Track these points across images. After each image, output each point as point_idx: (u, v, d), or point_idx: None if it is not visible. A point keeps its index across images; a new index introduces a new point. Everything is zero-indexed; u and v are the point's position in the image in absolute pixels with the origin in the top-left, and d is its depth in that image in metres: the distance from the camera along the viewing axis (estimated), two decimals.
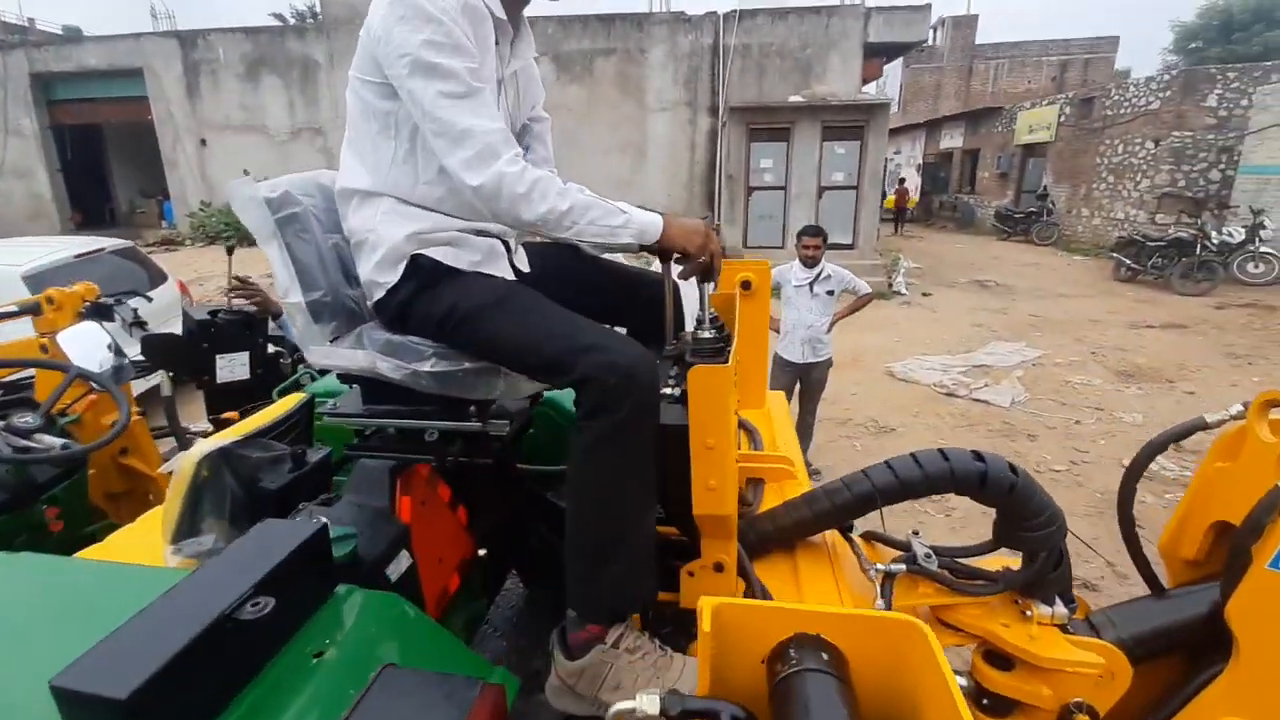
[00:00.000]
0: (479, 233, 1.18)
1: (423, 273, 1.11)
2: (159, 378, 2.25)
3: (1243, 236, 9.75)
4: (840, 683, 0.66)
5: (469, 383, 1.12)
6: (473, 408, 1.22)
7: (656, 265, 1.20)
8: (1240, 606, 0.98)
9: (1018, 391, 5.64)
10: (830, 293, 4.06)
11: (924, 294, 9.98)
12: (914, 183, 25.11)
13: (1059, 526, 1.13)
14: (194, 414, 2.68)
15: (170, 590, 0.80)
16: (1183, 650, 1.16)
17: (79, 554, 1.23)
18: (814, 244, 3.97)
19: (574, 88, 13.06)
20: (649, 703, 0.61)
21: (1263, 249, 9.75)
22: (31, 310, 2.01)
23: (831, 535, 1.35)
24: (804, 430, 4.35)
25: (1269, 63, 12.10)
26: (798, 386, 4.24)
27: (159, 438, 2.25)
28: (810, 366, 4.13)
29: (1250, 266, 9.83)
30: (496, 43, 1.13)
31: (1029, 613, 1.17)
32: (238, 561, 0.85)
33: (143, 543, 1.30)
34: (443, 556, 1.49)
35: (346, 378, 1.26)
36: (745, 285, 1.74)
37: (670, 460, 1.04)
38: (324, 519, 0.98)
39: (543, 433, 1.69)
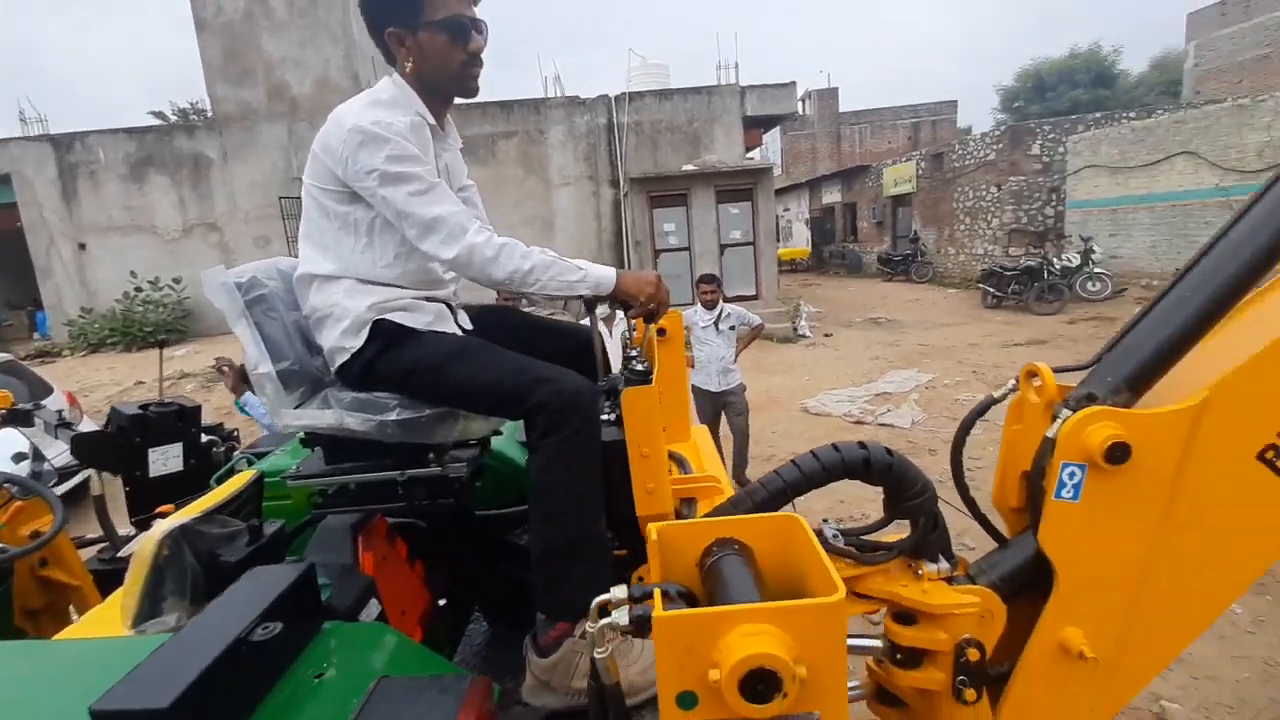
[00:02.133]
0: (429, 299, 1.36)
1: (385, 335, 1.27)
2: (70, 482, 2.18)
3: (1079, 261, 11.35)
4: (747, 561, 0.86)
5: (430, 428, 1.27)
6: (431, 454, 1.36)
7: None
8: (1046, 534, 1.19)
9: (916, 413, 6.21)
10: (732, 328, 4.70)
11: (825, 335, 10.77)
12: (804, 235, 27.20)
13: (931, 495, 1.38)
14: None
15: (184, 628, 0.89)
16: (1035, 584, 1.42)
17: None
18: (710, 289, 4.64)
19: (478, 169, 13.51)
20: (619, 590, 0.79)
21: (1096, 270, 11.37)
22: None
23: None
24: (741, 445, 4.83)
25: (1074, 116, 14.39)
26: (723, 417, 4.78)
27: (80, 547, 2.15)
28: (726, 392, 4.69)
29: (1089, 285, 11.37)
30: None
31: (920, 572, 1.40)
32: (240, 599, 0.95)
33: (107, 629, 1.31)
34: (405, 609, 1.57)
35: (309, 441, 1.36)
36: (660, 332, 1.98)
37: (613, 472, 1.22)
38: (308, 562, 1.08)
39: (492, 482, 1.82)
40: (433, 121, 1.36)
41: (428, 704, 0.89)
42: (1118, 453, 1.09)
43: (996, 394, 1.39)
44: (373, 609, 1.32)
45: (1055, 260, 11.47)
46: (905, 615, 1.40)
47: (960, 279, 15.71)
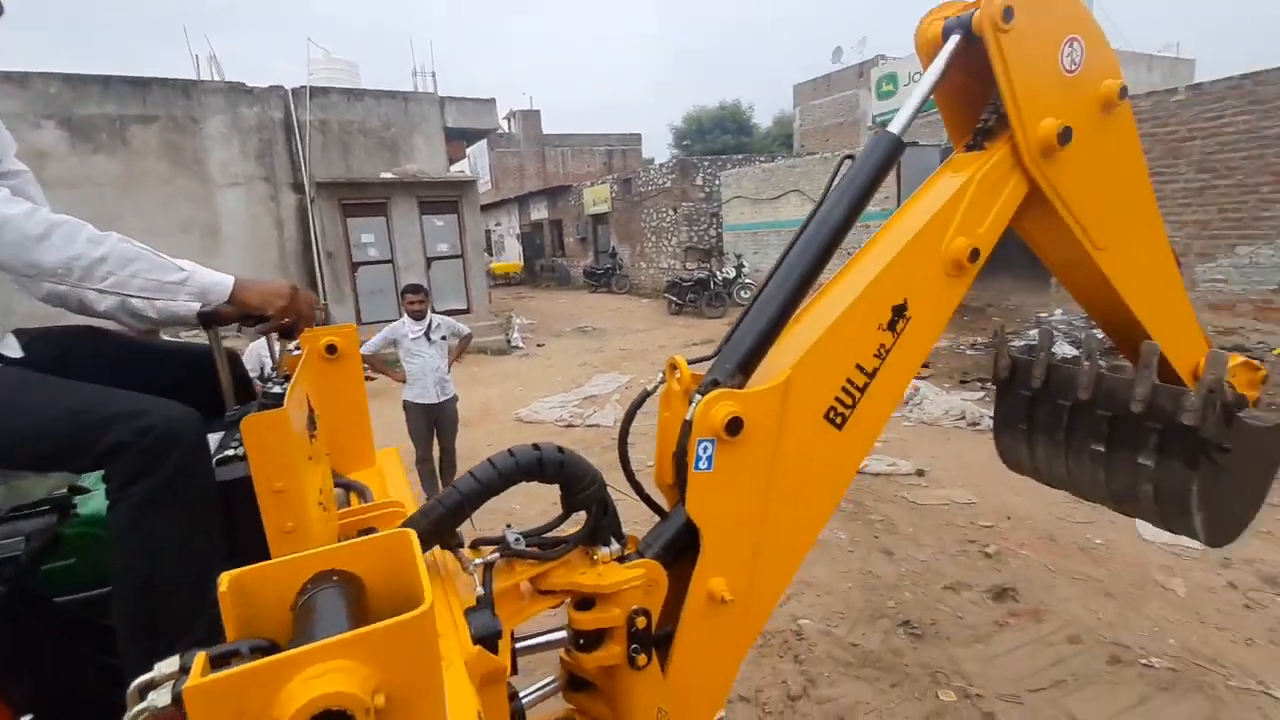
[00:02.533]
0: None
1: None
2: None
3: (735, 273, 13.96)
4: (346, 593, 0.75)
5: None
6: None
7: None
8: (691, 502, 1.38)
9: (618, 411, 6.80)
10: (444, 338, 4.62)
11: (538, 345, 11.14)
12: (517, 250, 27.71)
13: (600, 484, 1.50)
14: None
15: None
16: (690, 548, 1.65)
17: None
18: (417, 299, 4.51)
19: (100, 158, 10.65)
20: (168, 663, 0.65)
21: (746, 280, 14.18)
22: None
23: (438, 553, 1.48)
24: (449, 466, 4.72)
25: (724, 156, 17.48)
26: (434, 431, 4.65)
27: None
28: (443, 405, 4.60)
29: (742, 294, 14.02)
30: None
31: (595, 557, 1.52)
32: None
33: None
34: None
35: None
36: (330, 350, 1.79)
37: (239, 514, 1.04)
38: None
39: (85, 558, 1.42)
40: None
41: None
42: (735, 426, 1.30)
43: (649, 387, 1.56)
44: None
45: (718, 273, 13.89)
46: (585, 601, 1.50)
47: (652, 290, 17.76)
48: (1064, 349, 7.08)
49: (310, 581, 0.79)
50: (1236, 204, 7.14)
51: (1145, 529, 3.95)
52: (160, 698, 0.61)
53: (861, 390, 1.39)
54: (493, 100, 14.38)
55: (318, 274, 11.60)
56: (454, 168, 14.84)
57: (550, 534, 1.56)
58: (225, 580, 0.73)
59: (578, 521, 1.51)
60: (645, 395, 1.57)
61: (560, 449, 1.47)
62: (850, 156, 1.51)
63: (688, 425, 1.37)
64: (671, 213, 16.94)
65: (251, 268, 11.79)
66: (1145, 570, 3.55)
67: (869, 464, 5.09)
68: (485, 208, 29.29)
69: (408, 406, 4.59)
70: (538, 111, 35.69)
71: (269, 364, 1.74)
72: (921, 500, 4.55)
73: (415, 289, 4.61)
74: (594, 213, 21.24)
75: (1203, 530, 1.71)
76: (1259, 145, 6.94)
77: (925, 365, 7.67)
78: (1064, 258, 1.63)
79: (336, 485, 1.75)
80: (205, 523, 0.98)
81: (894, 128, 1.45)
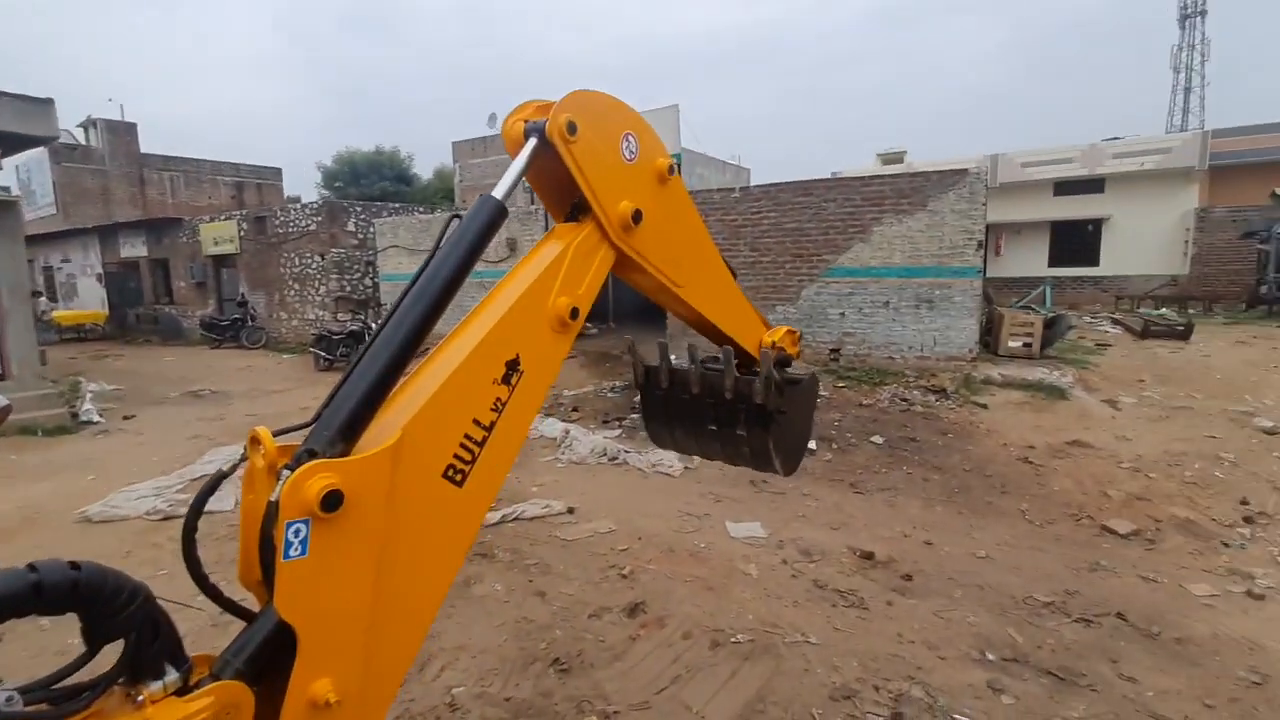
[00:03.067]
0: None
1: None
2: None
3: None
4: None
5: None
6: None
7: None
8: (282, 599, 1.18)
9: (239, 492, 5.71)
10: None
11: (125, 417, 8.70)
12: (98, 294, 21.50)
13: (144, 598, 1.19)
14: None
15: None
16: (287, 651, 1.43)
17: None
18: None
19: None
20: None
21: None
22: None
23: None
24: None
25: (380, 203, 16.68)
26: None
27: None
28: None
29: None
30: None
31: (140, 697, 1.21)
32: None
33: None
34: None
35: None
36: None
37: None
38: None
39: None
40: None
41: None
42: (332, 500, 1.15)
43: (226, 467, 1.33)
44: None
45: (374, 325, 12.93)
46: None
47: (295, 343, 15.65)
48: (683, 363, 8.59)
49: None
50: (773, 275, 9.84)
51: (733, 528, 4.99)
52: None
53: (481, 444, 1.38)
54: (49, 101, 11.02)
55: None
56: None
57: (68, 681, 1.21)
58: None
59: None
60: (221, 477, 1.33)
61: (75, 564, 1.15)
62: (458, 216, 1.55)
63: (274, 507, 1.19)
64: (319, 259, 15.29)
65: None
66: (732, 562, 4.46)
67: (525, 509, 5.30)
68: (43, 238, 22.11)
69: None
70: (133, 125, 28.73)
71: None
72: (570, 536, 4.92)
73: None
74: (215, 253, 17.84)
75: (781, 466, 2.29)
76: (782, 234, 9.75)
77: (575, 409, 8.42)
78: (658, 295, 2.00)
79: None
80: None
81: (498, 193, 1.54)
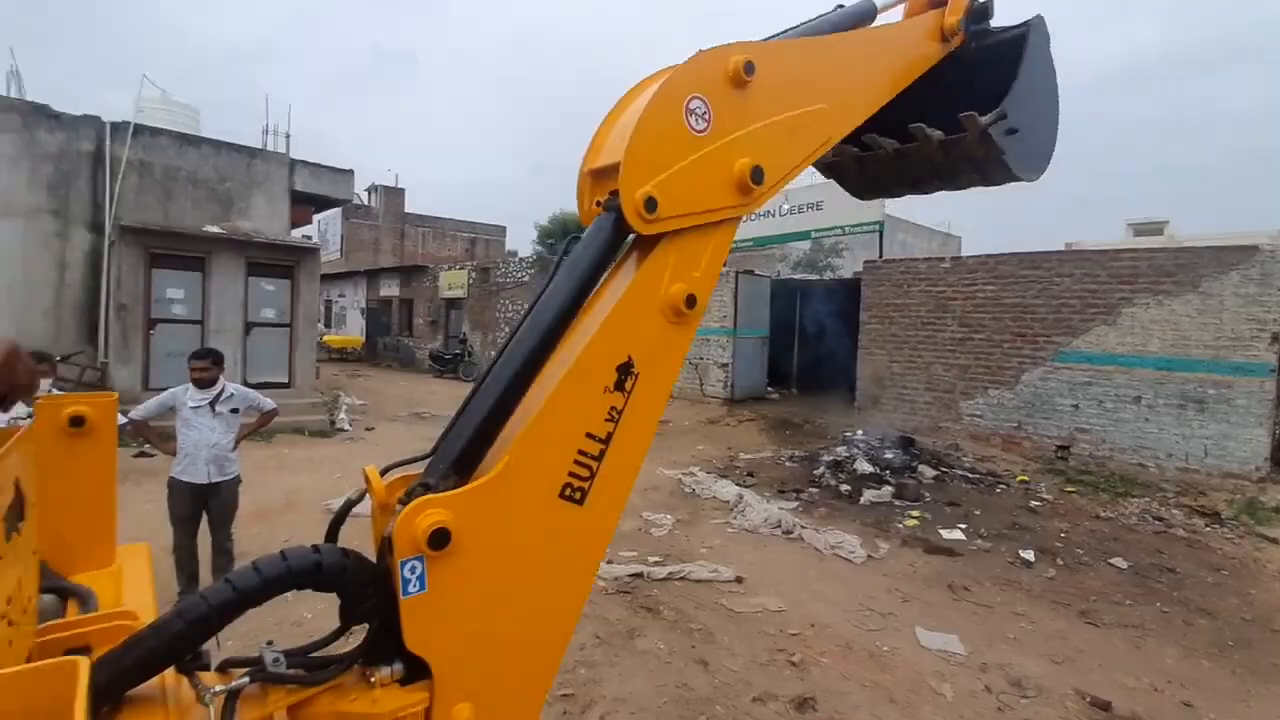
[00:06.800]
0: None
1: None
2: None
3: None
4: None
5: None
6: None
7: None
8: (411, 636, 1.19)
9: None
10: (235, 410, 4.09)
11: (367, 429, 10.29)
12: (359, 324, 26.10)
13: (390, 593, 1.35)
14: None
15: None
16: None
17: None
18: (201, 366, 4.01)
19: None
20: None
21: None
22: None
23: (169, 679, 1.23)
24: (221, 558, 4.08)
25: None
26: (204, 515, 4.05)
27: None
28: (217, 486, 4.01)
29: None
30: None
31: (373, 679, 1.34)
32: None
33: None
34: None
35: None
36: (76, 422, 1.53)
37: None
38: None
39: None
40: None
41: None
42: (439, 538, 1.12)
43: (353, 496, 1.38)
44: None
45: None
46: None
47: None
48: (863, 466, 7.96)
49: None
50: (987, 355, 8.82)
51: (924, 635, 4.38)
52: None
53: (598, 458, 1.29)
54: (350, 172, 13.97)
55: (102, 328, 9.97)
56: (297, 233, 13.94)
57: (320, 652, 1.37)
58: None
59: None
60: (350, 505, 1.37)
61: (345, 551, 1.33)
62: (576, 237, 1.42)
63: (386, 542, 1.17)
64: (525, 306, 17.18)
65: (10, 313, 9.85)
66: (922, 675, 3.89)
67: (693, 570, 5.19)
68: (329, 277, 27.56)
69: (171, 484, 3.97)
70: (402, 190, 35.27)
71: None
72: (738, 608, 4.68)
73: (203, 354, 4.10)
74: (449, 296, 20.83)
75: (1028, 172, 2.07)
76: (1000, 310, 8.74)
77: (750, 475, 8.18)
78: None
79: (49, 590, 1.43)
80: None
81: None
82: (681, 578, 5.10)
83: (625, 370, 1.31)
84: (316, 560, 1.27)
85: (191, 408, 3.96)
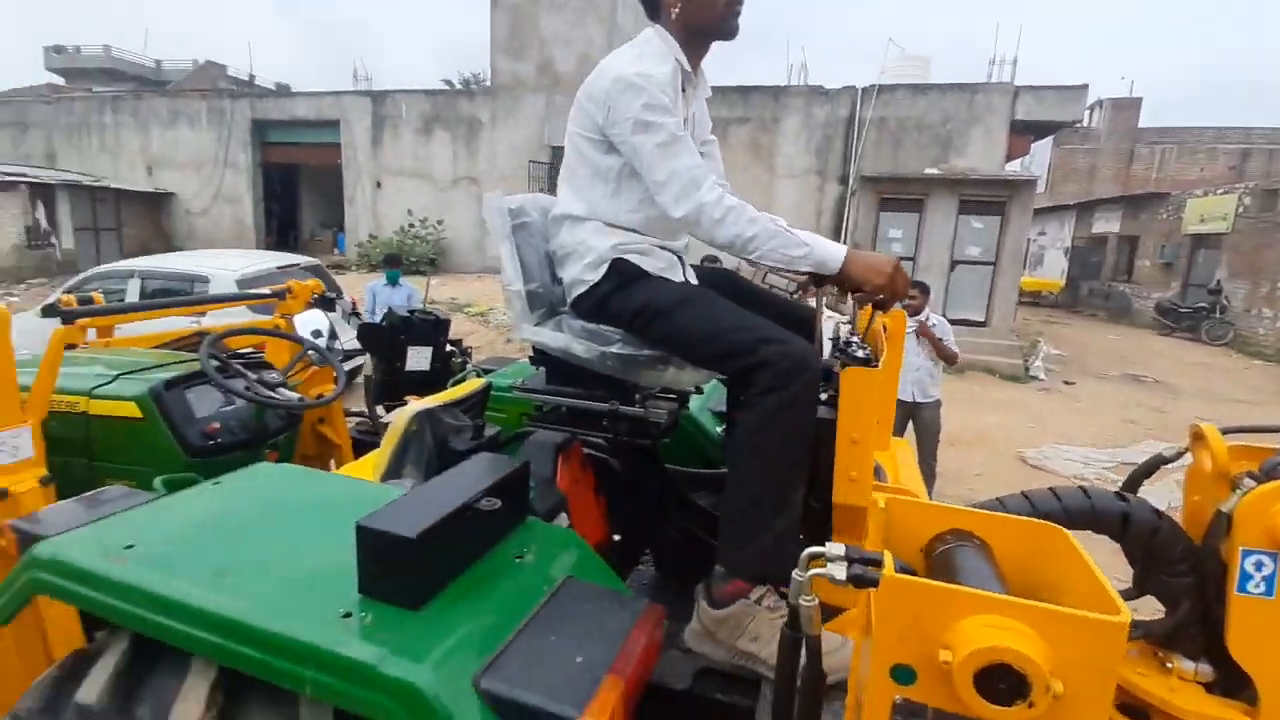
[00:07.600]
0: (663, 248, 1.41)
1: (621, 273, 1.35)
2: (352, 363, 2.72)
3: None
4: (988, 558, 0.77)
5: (644, 368, 1.33)
6: (637, 395, 1.42)
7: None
8: (1238, 642, 0.98)
9: (1174, 496, 5.08)
10: (940, 339, 4.38)
11: (1066, 382, 9.25)
12: (1059, 265, 23.55)
13: (1198, 577, 1.10)
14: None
15: (426, 485, 1.04)
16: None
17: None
18: (910, 295, 4.29)
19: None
20: (837, 546, 0.73)
21: None
22: (278, 296, 2.51)
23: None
24: (926, 474, 4.47)
25: None
26: (910, 428, 4.47)
27: (345, 416, 2.66)
28: (919, 406, 4.38)
29: None
30: (683, 89, 1.38)
31: (1169, 665, 1.14)
32: (469, 473, 1.08)
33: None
34: (585, 533, 1.68)
35: (536, 360, 1.51)
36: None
37: (817, 451, 1.16)
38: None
39: (679, 440, 1.86)
40: (689, 68, 1.38)
41: (605, 612, 0.94)
42: None
43: (1167, 453, 1.26)
44: (563, 520, 1.43)
45: None
46: (1131, 708, 1.17)
47: (1275, 349, 12.44)
48: None
49: (950, 533, 0.81)
50: None
51: None
52: (837, 570, 0.71)
53: None
54: (1083, 88, 12.20)
55: None
56: (1009, 166, 13.39)
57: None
58: (882, 498, 0.83)
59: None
60: (1160, 462, 1.27)
61: (1158, 512, 1.15)
62: None
63: (1224, 520, 1.00)
64: None
65: None
66: None
67: None
68: (1033, 214, 25.64)
69: None
70: (1138, 99, 28.63)
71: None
72: None
73: (911, 285, 4.42)
74: (1196, 230, 15.97)
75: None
76: None
77: None
78: None
79: None
80: (804, 442, 1.14)
81: None
82: None
83: None
84: (1124, 510, 1.18)
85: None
